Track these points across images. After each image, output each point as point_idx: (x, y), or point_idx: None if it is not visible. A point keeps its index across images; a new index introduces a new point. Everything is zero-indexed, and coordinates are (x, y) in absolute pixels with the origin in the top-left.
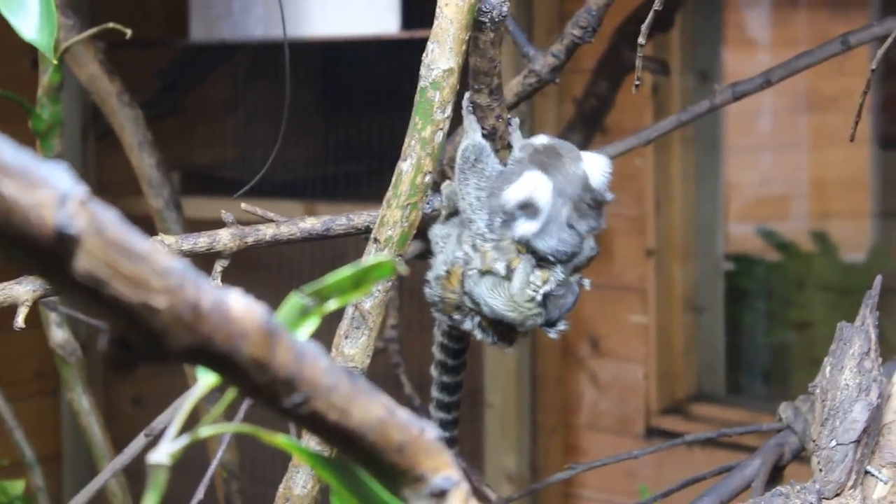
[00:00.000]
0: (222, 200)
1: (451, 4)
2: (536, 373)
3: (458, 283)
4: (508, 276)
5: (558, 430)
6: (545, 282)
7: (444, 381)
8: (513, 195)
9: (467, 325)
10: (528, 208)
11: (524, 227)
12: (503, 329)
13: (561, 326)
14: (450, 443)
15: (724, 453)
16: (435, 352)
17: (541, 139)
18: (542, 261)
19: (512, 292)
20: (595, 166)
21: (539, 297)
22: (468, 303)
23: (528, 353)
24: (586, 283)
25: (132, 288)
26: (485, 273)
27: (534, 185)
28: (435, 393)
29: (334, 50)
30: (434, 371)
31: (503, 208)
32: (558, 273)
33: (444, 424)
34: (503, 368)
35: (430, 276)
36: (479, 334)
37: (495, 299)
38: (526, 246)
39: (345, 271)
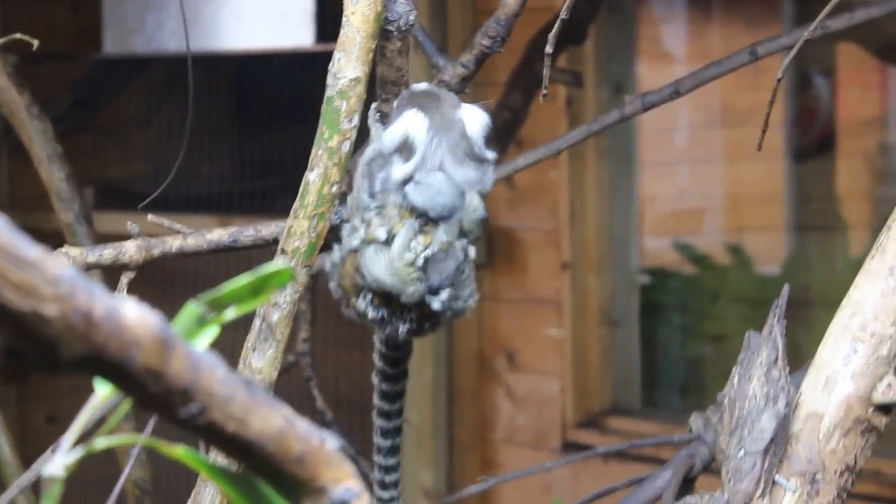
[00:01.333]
0: (137, 215)
1: (357, 13)
2: (453, 388)
3: (352, 267)
4: (389, 242)
5: (475, 445)
6: (426, 246)
7: (384, 389)
8: (390, 135)
9: (360, 304)
10: (404, 150)
11: (400, 170)
12: (395, 306)
13: (443, 296)
14: (392, 451)
15: (640, 466)
16: (375, 359)
17: (421, 85)
18: (425, 226)
19: (392, 256)
20: (473, 116)
21: (420, 262)
22: (359, 279)
23: (444, 369)
24: (472, 250)
25: (21, 296)
26: (369, 243)
27: (409, 122)
28: (376, 400)
29: (250, 64)
30: (374, 378)
31: (382, 154)
32: (441, 235)
33: (385, 433)
34: (419, 384)
35: (327, 265)
36: (370, 312)
37: (376, 266)
38: (409, 209)
39: (242, 279)
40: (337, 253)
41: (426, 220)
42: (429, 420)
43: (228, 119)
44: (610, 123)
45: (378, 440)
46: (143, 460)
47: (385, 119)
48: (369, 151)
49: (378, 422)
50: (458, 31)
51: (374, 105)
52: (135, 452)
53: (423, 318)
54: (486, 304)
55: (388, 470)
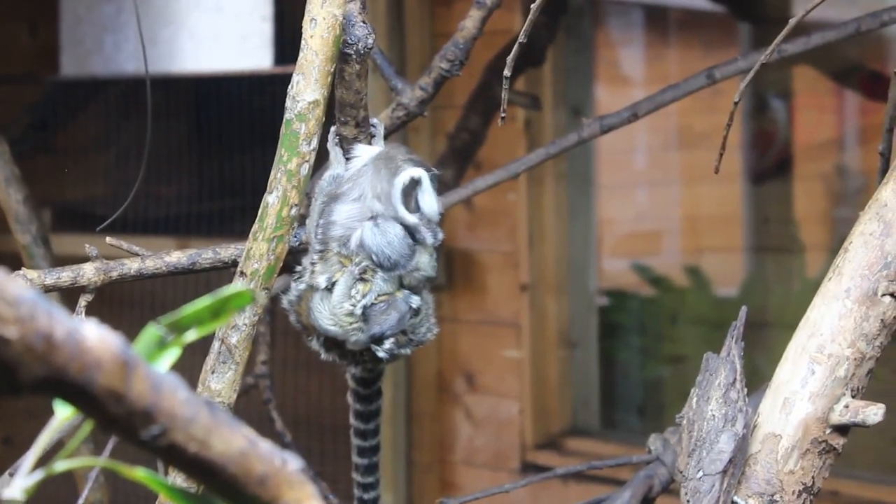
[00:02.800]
0: (95, 237)
1: (316, 36)
2: (412, 409)
3: (306, 307)
4: (330, 289)
5: (434, 467)
6: (364, 295)
7: (359, 409)
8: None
9: (314, 344)
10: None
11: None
12: (345, 351)
13: (387, 345)
14: (370, 469)
15: (599, 487)
16: (348, 380)
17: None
18: (364, 274)
19: (332, 304)
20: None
21: (358, 311)
22: (312, 321)
23: (403, 390)
24: (415, 300)
25: None
26: (314, 289)
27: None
28: (352, 420)
29: (208, 86)
30: (349, 398)
31: (337, 185)
32: (379, 284)
33: (362, 451)
34: None
35: (284, 302)
36: (323, 354)
37: (321, 313)
38: (349, 255)
39: (203, 301)
40: (293, 291)
41: (365, 268)
42: (388, 441)
43: (187, 141)
44: (568, 146)
45: (356, 459)
46: (101, 482)
47: (344, 143)
48: (326, 178)
49: (355, 441)
50: (416, 54)
51: (332, 129)
52: (93, 475)
53: (375, 360)
54: (445, 325)
55: (366, 488)
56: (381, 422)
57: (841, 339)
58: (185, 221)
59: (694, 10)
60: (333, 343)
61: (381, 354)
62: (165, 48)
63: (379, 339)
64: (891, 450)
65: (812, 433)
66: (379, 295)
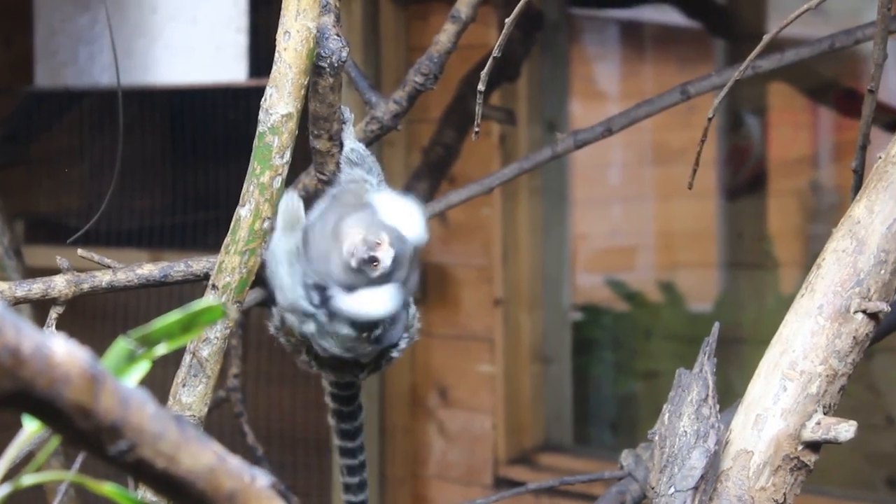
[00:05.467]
0: (67, 249)
1: (289, 49)
2: (385, 423)
3: (292, 328)
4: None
5: (406, 481)
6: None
7: (344, 428)
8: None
9: (303, 361)
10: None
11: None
12: (337, 361)
13: (402, 345)
14: (360, 487)
15: (571, 503)
16: (327, 401)
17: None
18: None
19: (348, 336)
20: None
21: (376, 334)
22: (305, 342)
23: (376, 404)
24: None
25: None
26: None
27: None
28: (337, 441)
29: (183, 98)
30: (331, 420)
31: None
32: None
33: (351, 470)
34: None
35: (271, 329)
36: (314, 367)
37: (331, 342)
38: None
39: (173, 315)
40: (276, 317)
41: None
42: None
43: (160, 153)
44: (542, 161)
45: (346, 479)
46: (71, 496)
47: (318, 156)
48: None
49: (343, 461)
50: (391, 67)
51: (292, 193)
52: (63, 488)
53: (376, 367)
54: (418, 339)
55: None
56: (365, 438)
57: (813, 355)
58: (158, 234)
59: (669, 25)
60: (327, 359)
61: (395, 355)
62: (140, 60)
63: (395, 345)
64: (863, 466)
65: (784, 450)
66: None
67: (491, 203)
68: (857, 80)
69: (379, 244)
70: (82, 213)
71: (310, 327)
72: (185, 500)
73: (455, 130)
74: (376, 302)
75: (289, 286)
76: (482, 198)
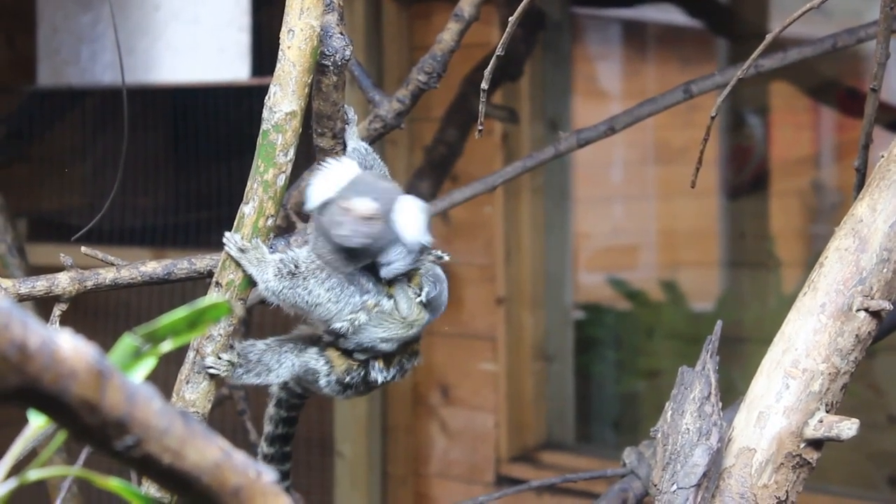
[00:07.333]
0: (71, 247)
1: (293, 47)
2: (387, 422)
3: (342, 360)
4: (397, 305)
5: (409, 480)
6: (420, 286)
7: (286, 432)
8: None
9: (374, 374)
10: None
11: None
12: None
13: (391, 375)
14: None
15: (573, 500)
16: (273, 411)
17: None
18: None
19: (403, 315)
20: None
21: (424, 300)
22: (361, 356)
23: (378, 403)
24: (445, 255)
25: None
26: (372, 315)
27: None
28: (265, 449)
29: (186, 97)
30: (270, 426)
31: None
32: (426, 266)
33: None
34: (353, 418)
35: (321, 383)
36: (380, 377)
37: (388, 330)
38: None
39: (179, 312)
40: (323, 376)
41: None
42: (363, 454)
43: (164, 151)
44: (545, 159)
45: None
46: (74, 492)
47: (321, 154)
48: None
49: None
50: (394, 66)
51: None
52: (66, 484)
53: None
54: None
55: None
56: (368, 436)
57: (815, 353)
58: (161, 232)
59: (672, 25)
60: (387, 356)
61: (381, 379)
62: (142, 59)
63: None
64: (865, 465)
65: (786, 447)
66: (431, 278)
67: (493, 202)
68: (859, 79)
69: (348, 209)
70: (85, 212)
71: (361, 318)
72: (190, 495)
73: (458, 129)
74: (413, 222)
75: (328, 293)
76: (484, 196)
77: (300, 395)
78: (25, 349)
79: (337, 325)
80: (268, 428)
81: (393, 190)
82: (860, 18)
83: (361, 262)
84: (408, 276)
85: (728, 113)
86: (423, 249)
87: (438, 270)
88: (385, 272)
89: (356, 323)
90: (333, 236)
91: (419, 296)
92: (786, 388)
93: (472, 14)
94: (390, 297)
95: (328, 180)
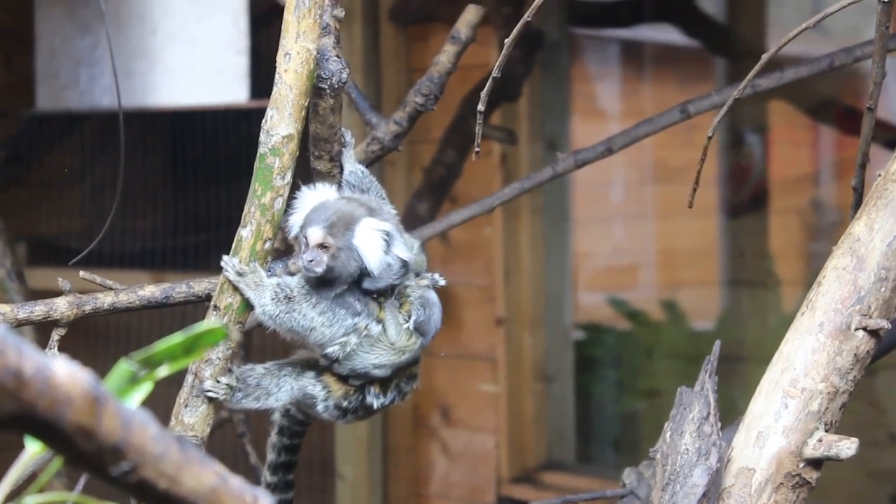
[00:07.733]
0: (69, 271)
1: (290, 71)
2: (388, 443)
3: (339, 385)
4: (386, 331)
5: (410, 501)
6: (409, 313)
7: (289, 460)
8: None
9: (370, 399)
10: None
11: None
12: (393, 379)
13: (386, 399)
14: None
15: None
16: (276, 439)
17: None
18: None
19: (392, 341)
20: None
21: (412, 328)
22: (356, 381)
23: (379, 424)
24: (441, 280)
25: None
26: (363, 342)
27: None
28: (269, 477)
29: (185, 120)
30: (274, 454)
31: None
32: (415, 292)
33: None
34: (354, 439)
35: (319, 408)
36: (376, 402)
37: (380, 357)
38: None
39: (175, 337)
40: (321, 401)
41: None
42: (364, 476)
43: (161, 175)
44: (543, 180)
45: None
46: None
47: (318, 177)
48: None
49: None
50: (392, 88)
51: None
52: None
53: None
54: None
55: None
56: (369, 457)
57: (814, 373)
58: (160, 255)
59: (669, 45)
60: (384, 382)
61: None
62: (140, 82)
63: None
64: (865, 483)
65: (786, 467)
66: (419, 302)
67: (492, 222)
68: (858, 97)
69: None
70: (84, 235)
71: (352, 341)
72: None
73: (456, 150)
74: (372, 246)
75: (321, 317)
76: (483, 217)
77: (302, 421)
78: (21, 375)
79: (329, 350)
80: (270, 456)
81: (356, 215)
82: (859, 36)
83: (338, 286)
84: (399, 300)
85: (727, 131)
86: (417, 273)
87: (430, 294)
88: (368, 284)
89: (347, 347)
90: (300, 266)
91: (408, 322)
92: (785, 407)
93: (468, 36)
94: (380, 321)
95: (301, 208)
